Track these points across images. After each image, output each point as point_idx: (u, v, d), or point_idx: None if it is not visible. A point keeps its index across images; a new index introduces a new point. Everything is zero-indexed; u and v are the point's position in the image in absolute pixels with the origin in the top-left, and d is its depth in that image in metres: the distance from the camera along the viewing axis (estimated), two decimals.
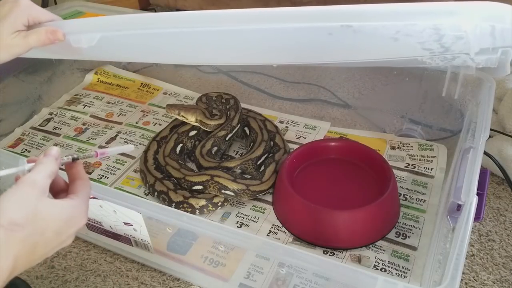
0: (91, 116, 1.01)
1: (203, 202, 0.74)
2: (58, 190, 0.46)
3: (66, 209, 0.42)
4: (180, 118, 0.84)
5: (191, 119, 0.83)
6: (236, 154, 0.89)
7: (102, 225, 0.67)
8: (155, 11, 1.38)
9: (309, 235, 0.70)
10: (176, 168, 0.79)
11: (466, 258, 0.64)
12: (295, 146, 0.85)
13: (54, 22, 0.63)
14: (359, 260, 0.67)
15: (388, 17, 0.51)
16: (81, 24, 0.63)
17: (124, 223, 0.63)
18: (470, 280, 0.66)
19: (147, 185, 0.79)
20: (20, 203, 0.39)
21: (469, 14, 0.49)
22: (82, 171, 0.47)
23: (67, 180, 0.47)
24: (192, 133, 0.87)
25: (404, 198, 0.77)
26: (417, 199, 0.76)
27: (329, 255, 0.68)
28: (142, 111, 1.02)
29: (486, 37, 0.50)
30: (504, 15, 0.49)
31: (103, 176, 0.84)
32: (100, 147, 0.91)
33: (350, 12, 0.51)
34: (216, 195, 0.75)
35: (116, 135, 0.94)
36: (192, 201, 0.74)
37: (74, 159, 0.47)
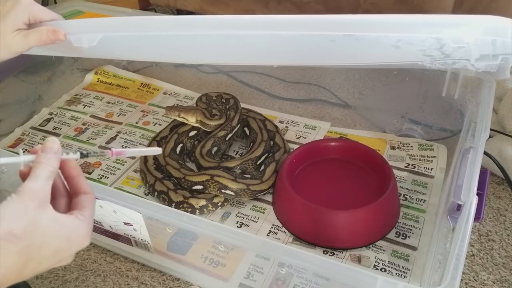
0: (91, 116, 1.01)
1: (203, 202, 0.74)
2: (57, 195, 0.44)
3: (68, 227, 0.40)
4: (180, 119, 0.84)
5: (192, 120, 0.83)
6: (236, 154, 0.89)
7: (102, 225, 0.67)
8: (155, 11, 1.38)
9: (309, 235, 0.70)
10: (176, 168, 0.79)
11: (466, 258, 0.64)
12: (295, 146, 0.85)
13: (56, 21, 0.63)
14: (359, 260, 0.67)
15: (390, 28, 0.51)
16: (82, 24, 0.63)
17: (124, 223, 0.63)
18: (470, 280, 0.66)
19: (147, 185, 0.79)
20: (19, 213, 0.37)
21: (471, 28, 0.50)
22: (86, 184, 0.45)
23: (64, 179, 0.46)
24: (192, 133, 0.87)
25: (404, 198, 0.77)
26: (417, 199, 0.76)
27: (329, 255, 0.68)
28: (142, 111, 1.02)
29: (487, 46, 0.50)
30: (506, 29, 0.49)
31: (103, 176, 0.84)
32: (100, 147, 0.91)
33: (353, 22, 0.52)
34: (216, 195, 0.75)
35: (116, 135, 0.94)
36: (192, 201, 0.74)
37: (83, 156, 0.44)
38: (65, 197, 0.45)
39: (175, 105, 0.83)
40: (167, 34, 0.58)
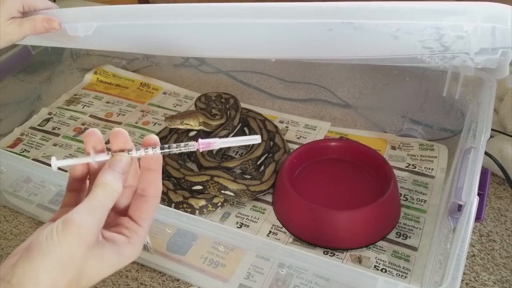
0: (91, 116, 1.01)
1: (202, 202, 0.74)
2: (124, 185, 0.37)
3: (119, 261, 0.35)
4: (183, 126, 0.82)
5: (195, 123, 0.82)
6: (236, 154, 0.89)
7: None
8: None
9: (309, 236, 0.70)
10: (176, 168, 0.79)
11: (466, 259, 0.64)
12: (295, 146, 0.85)
13: (51, 10, 0.62)
14: (359, 260, 0.67)
15: (389, 15, 0.51)
16: (78, 13, 0.63)
17: None
18: (470, 280, 0.66)
19: None
20: (64, 266, 0.32)
21: (470, 15, 0.49)
22: (159, 183, 0.38)
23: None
24: (192, 133, 0.87)
25: (404, 199, 0.76)
26: (418, 199, 0.76)
27: (330, 255, 0.68)
28: (142, 111, 1.02)
29: (487, 37, 0.50)
30: (506, 16, 0.49)
31: None
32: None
33: (352, 9, 0.51)
34: (216, 195, 0.75)
35: None
36: (192, 201, 0.74)
37: (163, 149, 0.37)
38: (132, 187, 0.39)
39: (173, 115, 0.83)
40: (165, 23, 0.58)
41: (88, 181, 0.39)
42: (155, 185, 0.39)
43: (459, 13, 0.50)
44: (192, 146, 0.38)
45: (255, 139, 0.38)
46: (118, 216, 0.39)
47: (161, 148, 0.37)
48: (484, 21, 0.49)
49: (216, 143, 0.38)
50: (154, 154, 0.37)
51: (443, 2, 0.50)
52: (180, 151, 0.38)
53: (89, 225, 0.33)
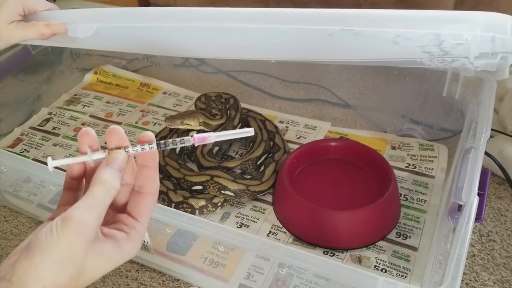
0: (91, 116, 1.01)
1: (202, 202, 0.74)
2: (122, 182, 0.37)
3: (119, 257, 0.36)
4: (183, 127, 0.82)
5: (195, 124, 0.82)
6: (236, 154, 0.89)
7: None
8: None
9: (309, 236, 0.70)
10: (176, 168, 0.79)
11: (466, 259, 0.64)
12: (295, 146, 0.85)
13: (51, 11, 0.62)
14: (359, 260, 0.67)
15: (389, 22, 0.51)
16: (78, 15, 0.63)
17: None
18: (470, 280, 0.66)
19: None
20: (65, 263, 0.32)
21: (470, 24, 0.49)
22: (156, 180, 0.39)
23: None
24: (192, 133, 0.87)
25: (404, 199, 0.76)
26: (418, 199, 0.76)
27: (330, 255, 0.68)
28: (142, 111, 1.02)
29: (487, 44, 0.50)
30: (505, 26, 0.49)
31: None
32: (101, 147, 0.91)
33: (352, 16, 0.51)
34: (216, 195, 0.75)
35: None
36: (192, 201, 0.74)
37: (159, 146, 0.37)
38: (130, 185, 0.39)
39: (173, 115, 0.83)
40: (163, 26, 0.58)
41: (84, 180, 0.40)
42: (152, 182, 0.39)
43: (459, 22, 0.50)
44: (188, 141, 0.38)
45: (249, 131, 0.39)
46: (116, 213, 0.39)
47: (158, 145, 0.38)
48: (483, 30, 0.49)
49: (211, 137, 0.38)
50: (151, 150, 0.38)
51: (443, 11, 0.50)
52: (176, 146, 0.38)
53: (89, 222, 0.33)
